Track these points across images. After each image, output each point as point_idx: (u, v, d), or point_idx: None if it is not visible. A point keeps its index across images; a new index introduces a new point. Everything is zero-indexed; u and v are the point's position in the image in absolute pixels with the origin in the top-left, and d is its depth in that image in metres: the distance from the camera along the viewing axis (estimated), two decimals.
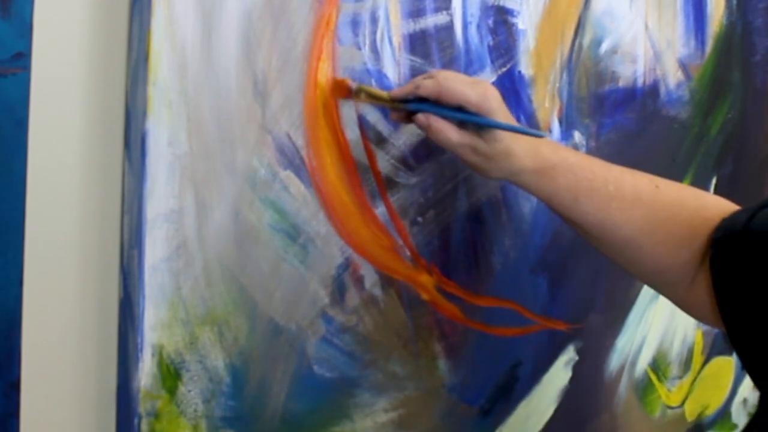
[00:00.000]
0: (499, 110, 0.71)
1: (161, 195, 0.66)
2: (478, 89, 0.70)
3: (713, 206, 0.75)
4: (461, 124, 0.71)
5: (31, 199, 0.65)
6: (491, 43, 0.83)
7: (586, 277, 0.94)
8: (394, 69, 0.77)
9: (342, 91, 0.74)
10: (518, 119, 0.86)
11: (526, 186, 0.74)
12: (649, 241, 0.73)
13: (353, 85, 0.74)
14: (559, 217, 0.77)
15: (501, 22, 0.84)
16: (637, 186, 0.74)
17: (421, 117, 0.71)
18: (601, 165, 0.76)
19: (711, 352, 1.07)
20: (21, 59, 0.63)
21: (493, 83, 0.83)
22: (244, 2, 0.69)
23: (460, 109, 0.70)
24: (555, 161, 0.73)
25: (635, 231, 0.73)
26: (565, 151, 0.76)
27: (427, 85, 0.71)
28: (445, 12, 0.80)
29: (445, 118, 0.71)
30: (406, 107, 0.73)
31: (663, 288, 0.79)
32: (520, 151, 0.71)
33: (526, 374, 0.90)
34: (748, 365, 0.70)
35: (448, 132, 0.70)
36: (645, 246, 0.74)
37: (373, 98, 0.74)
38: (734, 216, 0.72)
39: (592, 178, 0.73)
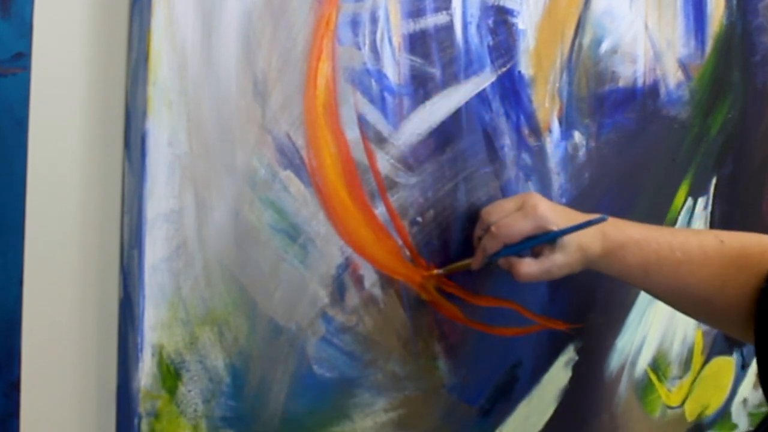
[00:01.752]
0: (552, 215, 0.75)
1: (161, 195, 0.66)
2: (528, 211, 0.75)
3: None
4: (534, 250, 0.76)
5: (31, 199, 0.65)
6: (491, 43, 0.83)
7: (586, 277, 0.94)
8: (394, 69, 0.77)
9: (432, 280, 0.81)
10: (518, 119, 0.86)
11: (597, 268, 0.77)
12: (721, 295, 0.76)
13: (439, 271, 0.81)
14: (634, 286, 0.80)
15: (501, 22, 0.84)
16: (704, 246, 0.77)
17: (502, 263, 0.78)
18: (665, 233, 0.79)
19: (711, 352, 1.07)
20: (21, 59, 0.63)
21: (493, 83, 0.83)
22: (244, 2, 0.69)
23: (528, 239, 0.75)
24: (621, 241, 0.76)
25: (708, 289, 0.76)
26: (630, 227, 0.79)
27: (491, 246, 0.76)
28: (445, 12, 0.80)
29: (520, 253, 0.76)
30: (490, 261, 0.78)
31: (739, 333, 0.81)
32: (589, 241, 0.75)
33: (526, 374, 0.90)
34: None
35: (527, 268, 0.75)
36: (717, 301, 0.76)
37: (459, 268, 0.81)
38: None
39: (659, 249, 0.76)
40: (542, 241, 0.75)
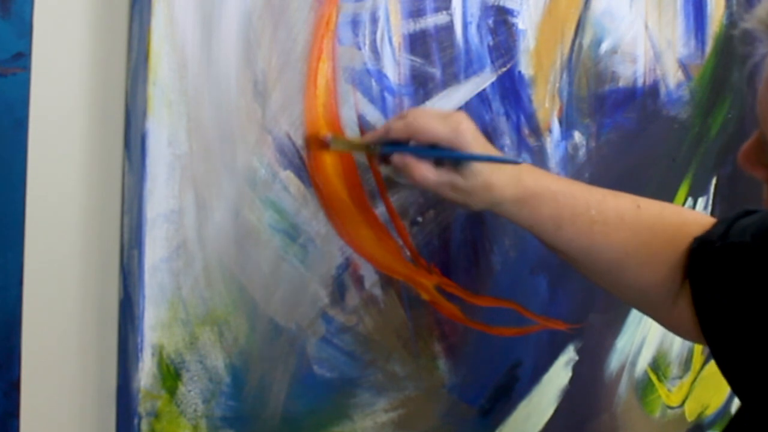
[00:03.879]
0: (474, 142, 0.69)
1: (161, 195, 0.66)
2: (451, 123, 0.69)
3: (693, 222, 0.74)
4: (438, 162, 0.70)
5: (31, 199, 0.65)
6: (491, 43, 0.83)
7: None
8: (394, 69, 0.77)
9: (317, 144, 0.73)
10: (518, 119, 0.86)
11: (507, 215, 0.73)
12: (633, 262, 0.73)
13: (328, 136, 0.72)
14: (542, 243, 0.76)
15: (501, 22, 0.84)
16: (620, 208, 0.73)
17: (396, 158, 0.70)
18: (583, 189, 0.74)
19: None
20: (21, 59, 0.63)
21: (493, 83, 0.83)
22: (244, 2, 0.69)
23: (434, 146, 0.69)
24: (537, 190, 0.71)
25: (619, 253, 0.73)
26: (547, 178, 0.75)
27: (398, 127, 0.70)
28: (445, 12, 0.80)
29: (421, 157, 0.69)
30: (382, 151, 0.72)
31: (648, 309, 0.79)
32: (500, 182, 0.70)
33: (526, 374, 0.90)
34: (729, 376, 0.69)
35: (424, 171, 0.69)
36: (628, 268, 0.73)
37: (350, 146, 0.74)
38: (711, 228, 0.72)
39: (575, 204, 0.72)
40: (448, 155, 0.69)
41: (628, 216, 0.73)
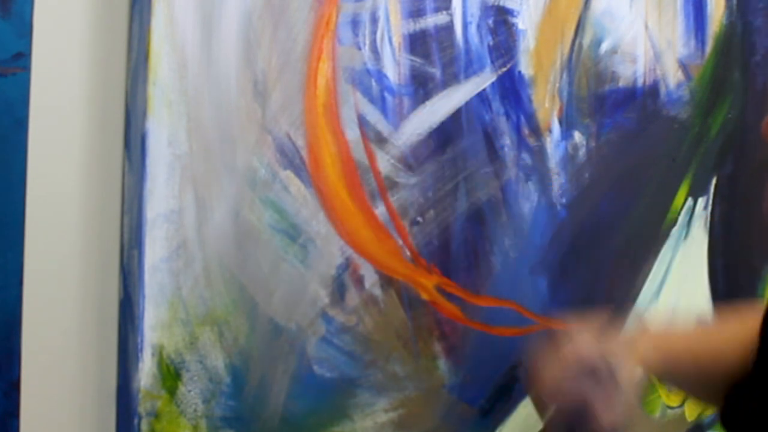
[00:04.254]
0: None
1: (161, 195, 0.66)
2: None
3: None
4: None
5: (31, 199, 0.65)
6: (491, 43, 0.83)
7: (586, 277, 0.94)
8: (394, 69, 0.77)
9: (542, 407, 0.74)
10: (518, 119, 0.86)
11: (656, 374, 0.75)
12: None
13: None
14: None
15: (501, 22, 0.84)
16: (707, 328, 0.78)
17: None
18: (680, 335, 0.77)
19: None
20: (21, 59, 0.63)
21: (493, 83, 0.83)
22: (244, 2, 0.69)
23: None
24: (662, 359, 0.73)
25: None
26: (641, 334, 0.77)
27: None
28: (445, 12, 0.80)
29: None
30: None
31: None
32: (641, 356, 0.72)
33: (526, 374, 0.90)
34: None
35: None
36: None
37: None
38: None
39: (679, 339, 0.75)
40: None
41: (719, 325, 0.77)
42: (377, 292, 0.79)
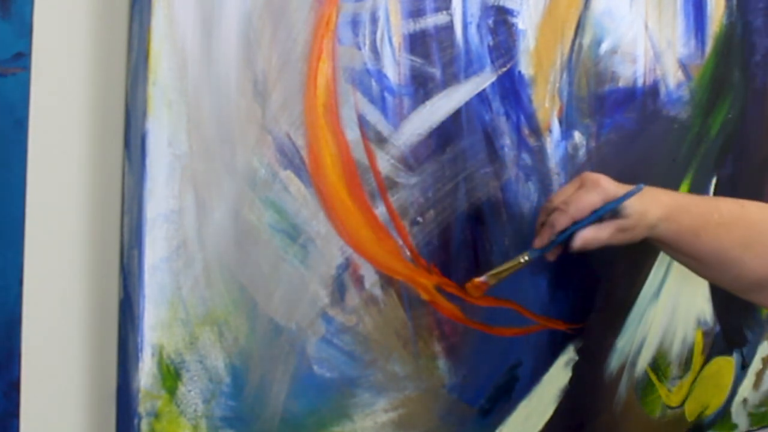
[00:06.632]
0: (612, 185, 0.77)
1: (161, 195, 0.66)
2: (589, 185, 0.77)
3: None
4: (598, 221, 0.77)
5: (31, 199, 0.65)
6: (491, 43, 0.83)
7: (586, 277, 0.94)
8: (394, 69, 0.77)
9: (479, 289, 0.81)
10: (518, 119, 0.86)
11: (655, 234, 0.79)
12: (749, 255, 0.80)
13: (484, 278, 0.81)
14: (675, 258, 0.84)
15: (501, 22, 0.84)
16: (731, 209, 0.82)
17: (577, 243, 0.77)
18: (701, 199, 0.84)
19: (711, 352, 1.07)
20: (21, 59, 0.63)
21: (493, 83, 0.84)
22: (244, 2, 0.69)
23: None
24: (673, 204, 0.79)
25: (738, 249, 0.80)
26: (672, 193, 0.83)
27: (561, 221, 0.77)
28: (445, 12, 0.80)
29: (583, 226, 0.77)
30: (552, 247, 0.79)
31: (764, 300, 0.86)
32: (648, 206, 0.78)
33: (526, 374, 0.90)
34: None
35: (598, 235, 0.77)
36: (746, 260, 0.80)
37: (506, 271, 0.81)
38: None
39: (703, 212, 0.80)
40: (608, 209, 0.77)
41: (739, 215, 0.82)
42: (377, 292, 0.79)
